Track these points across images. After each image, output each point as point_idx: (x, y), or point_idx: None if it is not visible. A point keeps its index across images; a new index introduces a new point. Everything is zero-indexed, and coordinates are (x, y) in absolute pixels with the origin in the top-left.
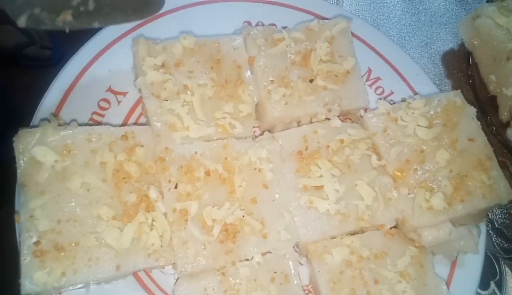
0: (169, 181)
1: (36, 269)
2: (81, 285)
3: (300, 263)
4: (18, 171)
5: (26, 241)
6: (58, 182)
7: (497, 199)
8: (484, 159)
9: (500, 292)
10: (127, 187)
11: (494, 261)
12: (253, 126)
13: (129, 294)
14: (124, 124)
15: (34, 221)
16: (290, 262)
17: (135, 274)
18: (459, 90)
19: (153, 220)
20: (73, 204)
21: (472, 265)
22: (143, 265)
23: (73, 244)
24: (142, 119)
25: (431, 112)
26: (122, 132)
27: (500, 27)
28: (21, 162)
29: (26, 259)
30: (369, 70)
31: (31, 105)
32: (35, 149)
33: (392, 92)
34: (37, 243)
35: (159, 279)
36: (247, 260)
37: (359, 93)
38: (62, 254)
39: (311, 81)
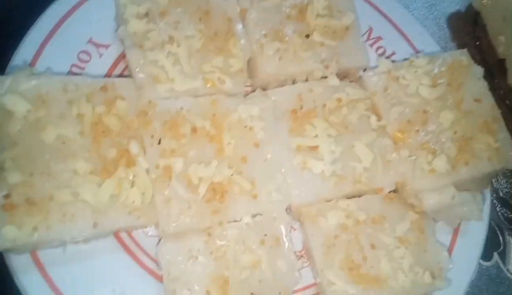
0: (152, 136)
1: (5, 223)
2: (57, 244)
3: (293, 228)
4: None
5: None
6: (31, 133)
7: (503, 162)
8: (490, 120)
9: (504, 263)
10: (106, 141)
11: (498, 232)
12: (246, 86)
13: (110, 255)
14: (108, 76)
15: (4, 173)
16: (282, 225)
17: (116, 236)
18: (466, 49)
19: (134, 176)
20: (47, 156)
21: (475, 234)
22: (123, 223)
23: (47, 199)
24: (127, 73)
25: (435, 71)
26: (102, 83)
27: None
28: None
29: None
30: (370, 29)
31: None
32: (5, 97)
33: (394, 53)
34: (6, 196)
35: (142, 241)
36: (236, 221)
37: (358, 51)
38: (34, 208)
39: (307, 36)
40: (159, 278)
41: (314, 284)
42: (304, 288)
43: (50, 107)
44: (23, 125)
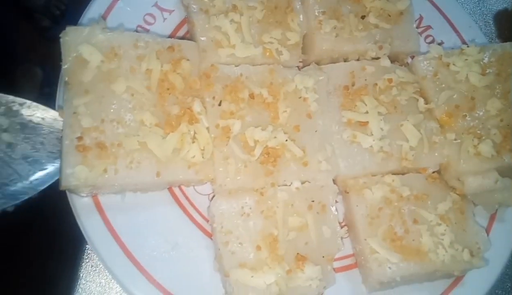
0: (213, 98)
1: (78, 163)
2: (118, 190)
3: (335, 200)
4: (63, 67)
5: (69, 135)
6: (103, 83)
7: None
8: None
9: None
10: (170, 98)
11: None
12: (302, 59)
13: (164, 207)
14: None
15: (78, 116)
16: (329, 194)
17: (170, 191)
18: None
19: (195, 133)
20: (116, 106)
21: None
22: (183, 176)
23: (116, 145)
24: (187, 39)
25: (485, 61)
26: (169, 43)
27: None
28: (67, 59)
29: (68, 153)
30: (420, 18)
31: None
32: (82, 47)
33: (442, 42)
34: (79, 138)
35: (193, 198)
36: (286, 185)
37: (410, 36)
38: (104, 152)
39: (363, 17)
40: (207, 233)
41: (352, 255)
42: (343, 258)
43: (121, 60)
44: (96, 75)
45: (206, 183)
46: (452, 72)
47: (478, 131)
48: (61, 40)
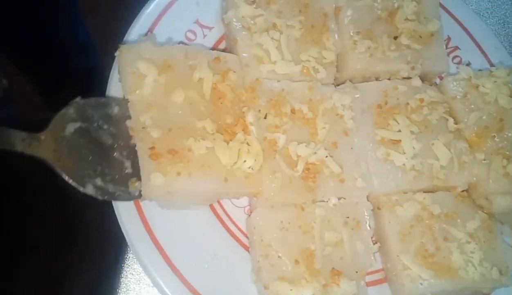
0: (259, 111)
1: (152, 170)
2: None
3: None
4: (122, 85)
5: (142, 148)
6: (163, 95)
7: None
8: None
9: None
10: (223, 107)
11: None
12: (336, 76)
13: (203, 219)
14: None
15: (147, 130)
16: (363, 210)
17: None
18: None
19: (248, 144)
20: (180, 114)
21: None
22: (241, 188)
23: (186, 149)
24: None
25: None
26: (215, 55)
27: None
28: (125, 76)
29: (143, 164)
30: (448, 38)
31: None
32: (138, 62)
33: (469, 63)
34: (151, 148)
35: (230, 211)
36: (323, 201)
37: (440, 57)
38: (176, 157)
39: (395, 38)
40: (244, 246)
41: (381, 270)
42: (373, 272)
43: (174, 71)
44: (154, 88)
45: (244, 196)
46: (482, 94)
47: (507, 153)
48: (117, 58)
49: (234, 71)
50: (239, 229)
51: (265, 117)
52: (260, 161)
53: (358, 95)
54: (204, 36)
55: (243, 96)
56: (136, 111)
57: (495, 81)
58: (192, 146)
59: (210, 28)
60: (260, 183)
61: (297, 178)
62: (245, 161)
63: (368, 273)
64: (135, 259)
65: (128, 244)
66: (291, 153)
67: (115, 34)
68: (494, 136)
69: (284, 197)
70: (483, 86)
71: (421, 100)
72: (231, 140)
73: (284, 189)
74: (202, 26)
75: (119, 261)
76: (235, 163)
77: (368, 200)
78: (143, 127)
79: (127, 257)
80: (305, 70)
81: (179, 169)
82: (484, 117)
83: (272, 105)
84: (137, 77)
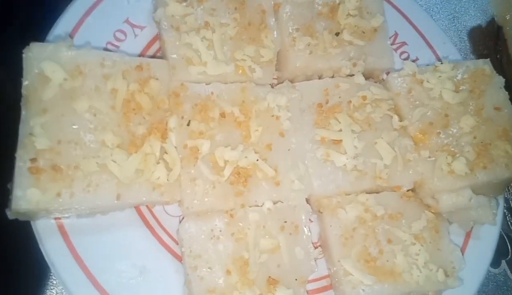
0: (182, 117)
1: (30, 186)
2: (76, 212)
3: (310, 219)
4: (23, 84)
5: (23, 157)
6: (64, 102)
7: None
8: (509, 129)
9: (511, 271)
10: (136, 118)
11: (506, 241)
12: (277, 76)
13: (131, 229)
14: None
15: (33, 138)
16: (302, 214)
17: (138, 211)
18: (488, 59)
19: (163, 152)
20: (76, 126)
21: (487, 238)
22: (146, 198)
23: (73, 167)
24: (158, 56)
25: (458, 78)
26: (138, 62)
27: None
28: (28, 76)
29: (20, 175)
30: (396, 34)
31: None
32: (45, 63)
33: (417, 59)
34: (33, 160)
35: (162, 219)
36: (257, 206)
37: (385, 53)
38: (59, 175)
39: (337, 34)
40: (178, 257)
41: (327, 276)
42: (318, 279)
43: (86, 79)
44: (57, 93)
45: (173, 204)
46: (426, 89)
47: (452, 149)
48: (23, 55)
49: (157, 78)
50: (173, 239)
51: (188, 124)
52: (177, 170)
53: (295, 95)
54: (136, 36)
55: (165, 104)
56: (29, 113)
57: (440, 76)
58: (80, 164)
59: (141, 28)
60: (178, 192)
61: (223, 183)
62: (153, 172)
63: (313, 280)
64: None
65: (48, 263)
66: (217, 158)
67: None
68: (439, 132)
69: (207, 204)
70: (428, 81)
71: (364, 98)
72: (135, 153)
73: (206, 196)
74: (132, 26)
75: (42, 281)
76: (141, 174)
77: (309, 203)
78: (30, 133)
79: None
80: (240, 70)
81: (60, 189)
82: (428, 113)
83: (197, 110)
84: (41, 78)
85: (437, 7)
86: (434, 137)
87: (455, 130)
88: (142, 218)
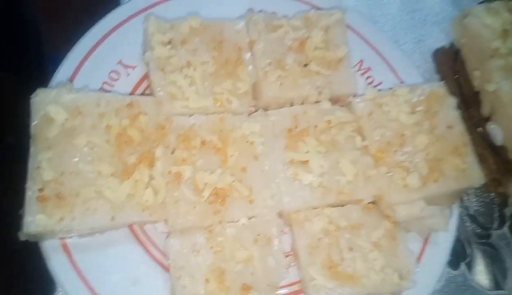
0: (167, 147)
1: (38, 212)
2: (78, 233)
3: (283, 231)
4: (31, 124)
5: (32, 187)
6: (66, 139)
7: (469, 182)
8: (460, 145)
9: (470, 272)
10: (128, 149)
11: (465, 246)
12: (250, 106)
13: (126, 246)
14: (131, 94)
15: (40, 171)
16: (273, 227)
17: (131, 230)
18: (442, 82)
19: (151, 178)
20: (77, 159)
21: (443, 243)
22: (137, 218)
23: (74, 194)
24: (148, 91)
25: (414, 100)
26: (128, 100)
27: (487, 26)
28: (35, 117)
29: (29, 203)
30: (361, 61)
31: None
32: (49, 106)
33: (381, 82)
34: (41, 190)
35: (153, 235)
36: (234, 222)
37: (348, 80)
38: (63, 202)
39: (305, 65)
40: (166, 268)
41: (299, 282)
42: (290, 284)
43: (84, 118)
44: (60, 132)
45: (160, 222)
46: (385, 112)
47: (407, 165)
48: (31, 100)
49: (146, 113)
50: (162, 252)
51: (172, 153)
52: (162, 194)
53: (268, 122)
54: (128, 75)
55: (153, 136)
56: (36, 149)
57: (397, 100)
58: (80, 191)
59: (133, 67)
60: (163, 212)
61: (203, 203)
62: (142, 195)
63: (286, 285)
64: None
65: (55, 279)
66: (198, 182)
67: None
68: (396, 150)
69: (189, 222)
70: (386, 105)
71: (329, 122)
72: (127, 179)
73: (188, 215)
74: (125, 66)
75: None
76: (132, 198)
77: (282, 217)
78: (38, 167)
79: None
80: (218, 103)
81: (63, 214)
82: (387, 133)
83: (181, 140)
84: (46, 119)
85: (403, 32)
86: (391, 155)
87: (410, 148)
88: (135, 235)
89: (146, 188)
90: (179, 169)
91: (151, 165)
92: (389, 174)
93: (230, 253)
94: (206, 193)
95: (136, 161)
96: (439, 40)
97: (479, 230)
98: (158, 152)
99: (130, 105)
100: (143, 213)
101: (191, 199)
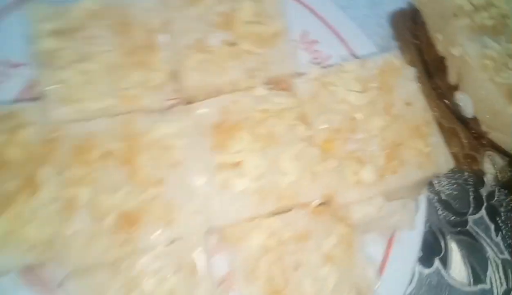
0: (57, 165)
1: None
2: None
3: (216, 253)
4: None
5: None
6: None
7: (434, 168)
8: (422, 124)
9: (445, 268)
10: (6, 173)
11: (439, 237)
12: (171, 98)
13: (17, 293)
14: (19, 100)
15: None
16: (198, 251)
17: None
18: (397, 51)
19: (35, 209)
20: None
21: (410, 240)
22: (20, 261)
23: None
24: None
25: (365, 75)
26: (6, 110)
27: None
28: None
29: None
30: (305, 32)
31: None
32: None
33: (330, 56)
34: None
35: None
36: (149, 250)
37: (287, 57)
38: None
39: (233, 45)
40: None
41: None
42: None
43: None
44: None
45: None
46: (332, 92)
47: (360, 155)
48: None
49: (29, 124)
50: None
51: (63, 172)
52: (51, 227)
53: (188, 119)
54: (13, 75)
55: (39, 153)
56: None
57: (345, 77)
58: None
59: (20, 65)
60: (53, 251)
61: (106, 232)
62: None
63: None
64: None
65: None
66: (98, 206)
67: None
68: (347, 139)
69: (89, 258)
70: (333, 84)
71: (265, 111)
72: (4, 212)
73: (86, 250)
74: (9, 65)
75: None
76: (11, 236)
77: (213, 235)
78: None
79: None
80: (125, 101)
81: None
82: (335, 119)
83: (75, 154)
84: None
85: None
86: (341, 145)
87: (363, 134)
88: (27, 280)
89: (32, 221)
90: (72, 192)
91: (36, 190)
92: (339, 168)
93: (147, 289)
94: (108, 220)
95: (15, 188)
96: (396, 1)
97: (453, 218)
98: (44, 172)
99: (8, 116)
100: (28, 253)
101: (89, 230)
